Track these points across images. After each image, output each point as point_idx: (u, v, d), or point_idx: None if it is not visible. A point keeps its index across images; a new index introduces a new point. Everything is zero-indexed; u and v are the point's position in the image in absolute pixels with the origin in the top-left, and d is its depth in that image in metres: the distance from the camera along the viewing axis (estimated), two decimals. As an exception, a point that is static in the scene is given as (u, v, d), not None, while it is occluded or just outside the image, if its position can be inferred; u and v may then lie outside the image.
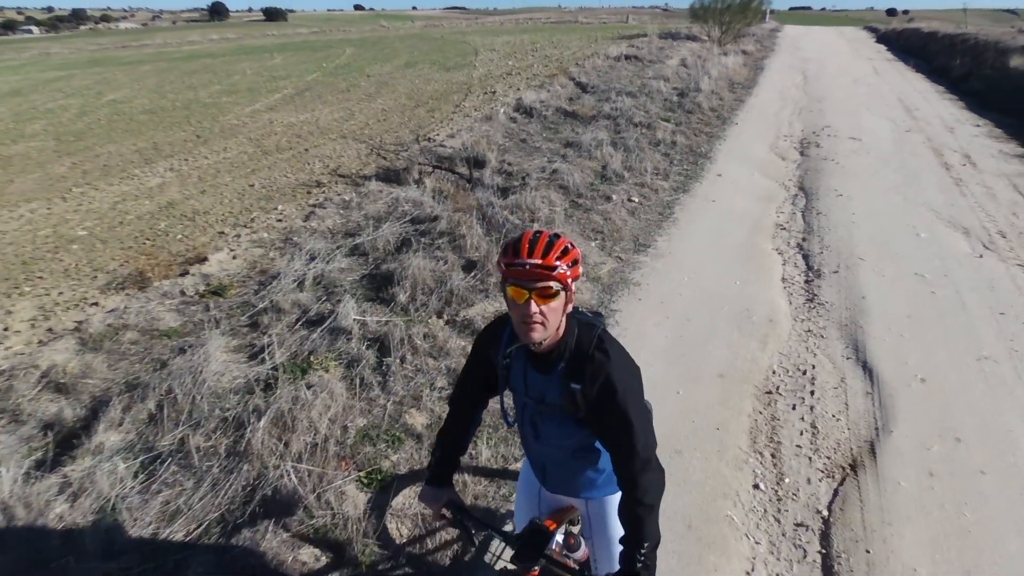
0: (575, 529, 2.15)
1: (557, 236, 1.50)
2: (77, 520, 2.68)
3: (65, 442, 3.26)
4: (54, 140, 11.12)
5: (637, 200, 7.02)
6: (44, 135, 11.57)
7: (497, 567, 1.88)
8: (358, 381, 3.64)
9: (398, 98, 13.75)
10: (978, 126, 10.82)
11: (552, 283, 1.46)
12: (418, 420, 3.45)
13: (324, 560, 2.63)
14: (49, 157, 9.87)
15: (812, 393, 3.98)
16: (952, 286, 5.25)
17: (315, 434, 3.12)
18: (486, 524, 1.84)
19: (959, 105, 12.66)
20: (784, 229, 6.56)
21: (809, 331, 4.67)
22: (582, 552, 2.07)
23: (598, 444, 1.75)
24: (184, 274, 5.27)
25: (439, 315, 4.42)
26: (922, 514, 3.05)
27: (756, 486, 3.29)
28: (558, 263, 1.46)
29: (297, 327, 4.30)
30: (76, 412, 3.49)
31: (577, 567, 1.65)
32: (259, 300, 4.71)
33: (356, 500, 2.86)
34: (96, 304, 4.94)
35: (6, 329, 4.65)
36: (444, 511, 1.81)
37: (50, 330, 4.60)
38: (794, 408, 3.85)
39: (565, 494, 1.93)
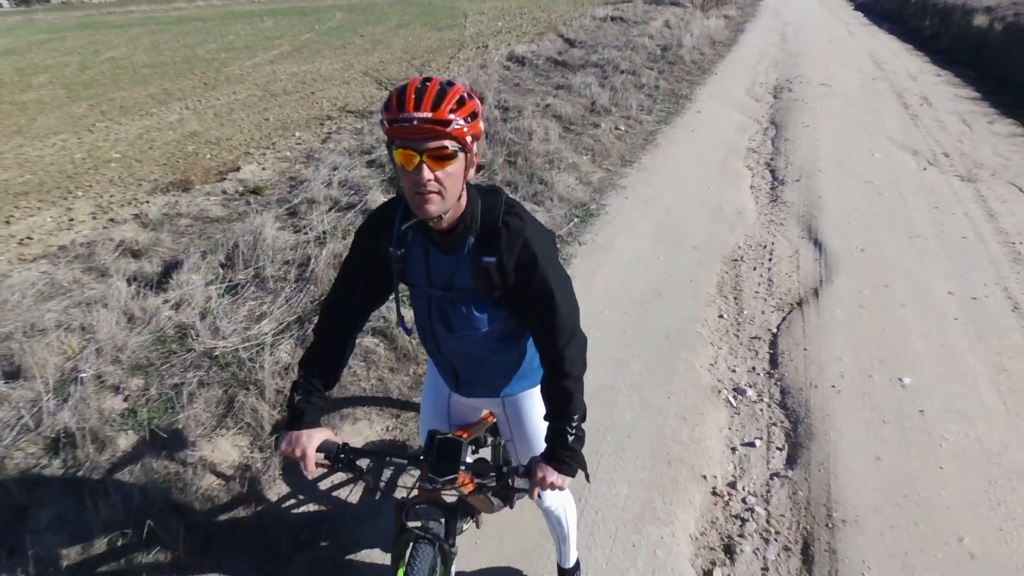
0: (489, 435, 2.12)
1: (451, 83, 1.25)
2: (183, 320, 3.37)
3: (150, 288, 3.93)
4: (63, 89, 11.54)
5: (623, 128, 7.73)
6: (52, 85, 11.97)
7: (410, 495, 1.59)
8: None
9: (394, 53, 14.25)
10: (939, 75, 11.62)
11: (447, 142, 1.22)
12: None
13: (382, 347, 3.36)
14: (63, 101, 10.33)
15: (770, 259, 4.77)
16: (897, 191, 6.04)
17: (364, 269, 3.82)
18: (378, 452, 1.63)
19: (924, 60, 13.44)
20: (755, 152, 7.32)
21: (771, 221, 5.45)
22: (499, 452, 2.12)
23: (519, 330, 1.59)
24: (222, 180, 5.90)
25: (455, 202, 5.11)
26: (851, 329, 3.84)
27: (721, 316, 4.07)
28: (452, 116, 1.21)
29: (332, 212, 4.97)
30: (154, 268, 4.16)
31: (500, 464, 1.51)
32: (293, 197, 5.37)
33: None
34: (147, 202, 5.57)
35: (72, 220, 5.27)
36: (318, 457, 1.48)
37: (111, 219, 5.23)
38: (755, 269, 4.64)
39: (482, 396, 1.75)
